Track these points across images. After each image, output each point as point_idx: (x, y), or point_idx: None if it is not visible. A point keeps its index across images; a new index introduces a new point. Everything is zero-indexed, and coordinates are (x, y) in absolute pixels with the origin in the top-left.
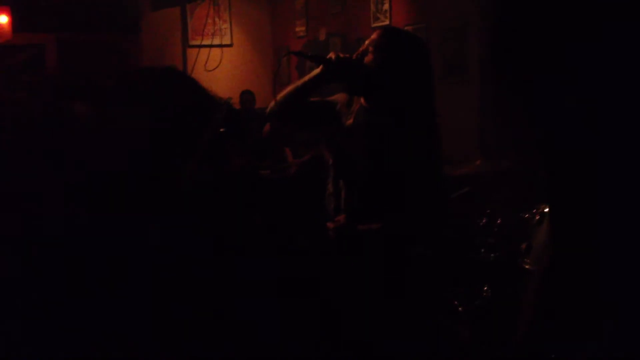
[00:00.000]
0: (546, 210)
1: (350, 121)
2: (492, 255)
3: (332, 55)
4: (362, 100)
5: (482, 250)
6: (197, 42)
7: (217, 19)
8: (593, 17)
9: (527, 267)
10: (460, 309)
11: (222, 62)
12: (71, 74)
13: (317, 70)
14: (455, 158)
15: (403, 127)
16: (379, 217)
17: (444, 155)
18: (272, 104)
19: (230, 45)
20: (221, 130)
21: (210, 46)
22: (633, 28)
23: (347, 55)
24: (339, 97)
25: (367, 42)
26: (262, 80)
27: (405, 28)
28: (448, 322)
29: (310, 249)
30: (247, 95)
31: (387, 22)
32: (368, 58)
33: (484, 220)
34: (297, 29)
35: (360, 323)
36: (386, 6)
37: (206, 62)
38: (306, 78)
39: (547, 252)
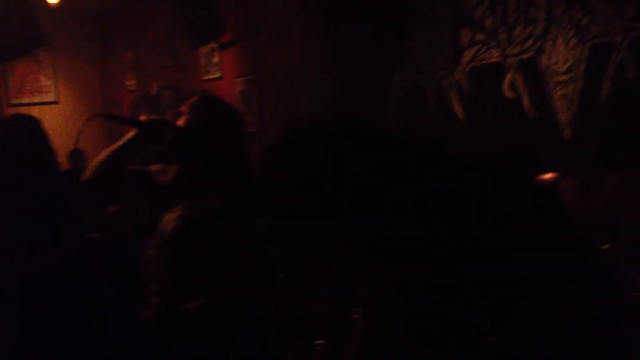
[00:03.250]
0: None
1: (165, 185)
2: (324, 307)
3: (143, 117)
4: (175, 166)
5: (316, 303)
6: (18, 101)
7: (39, 76)
8: None
9: (356, 316)
10: None
11: (44, 120)
12: None
13: (130, 134)
14: None
15: (213, 192)
16: (198, 293)
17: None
18: (87, 171)
19: (56, 103)
20: None
21: (32, 104)
22: None
23: (159, 117)
24: (155, 167)
25: (182, 105)
26: (93, 137)
27: (236, 80)
28: None
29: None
30: (76, 154)
31: (218, 75)
32: (181, 121)
33: (316, 273)
34: (128, 83)
35: None
36: (216, 59)
37: None
38: (119, 142)
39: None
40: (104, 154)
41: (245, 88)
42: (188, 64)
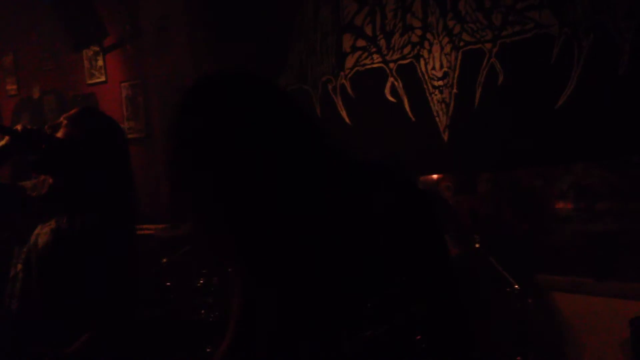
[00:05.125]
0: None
1: (38, 201)
2: (211, 315)
3: (18, 126)
4: (49, 180)
5: (202, 311)
6: None
7: None
8: None
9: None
10: None
11: None
12: None
13: (2, 142)
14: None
15: (90, 208)
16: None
17: (162, 214)
18: None
19: None
20: None
21: None
22: None
23: (35, 128)
24: (28, 183)
25: (62, 117)
26: None
27: (122, 84)
28: None
29: None
30: None
31: (103, 79)
32: (60, 133)
33: (201, 281)
34: (9, 87)
35: None
36: (100, 62)
37: None
38: None
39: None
40: None
41: (131, 93)
42: (71, 68)
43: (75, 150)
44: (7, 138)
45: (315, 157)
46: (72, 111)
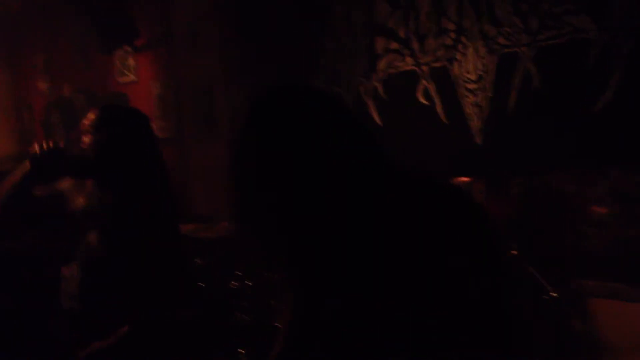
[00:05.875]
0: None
1: (82, 202)
2: (247, 317)
3: (34, 149)
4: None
5: (237, 313)
6: None
7: None
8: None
9: (279, 325)
10: None
11: None
12: None
13: (25, 167)
14: (207, 217)
15: (131, 201)
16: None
17: (194, 215)
18: None
19: None
20: None
21: None
22: None
23: (50, 145)
24: (65, 184)
25: (85, 121)
26: (3, 141)
27: (153, 84)
28: None
29: None
30: None
31: (134, 78)
32: (87, 138)
33: (236, 284)
34: (40, 85)
35: None
36: (131, 61)
37: None
38: (16, 177)
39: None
40: (2, 189)
41: (161, 92)
42: (102, 67)
43: (104, 155)
44: (27, 162)
45: (377, 168)
46: (92, 114)
